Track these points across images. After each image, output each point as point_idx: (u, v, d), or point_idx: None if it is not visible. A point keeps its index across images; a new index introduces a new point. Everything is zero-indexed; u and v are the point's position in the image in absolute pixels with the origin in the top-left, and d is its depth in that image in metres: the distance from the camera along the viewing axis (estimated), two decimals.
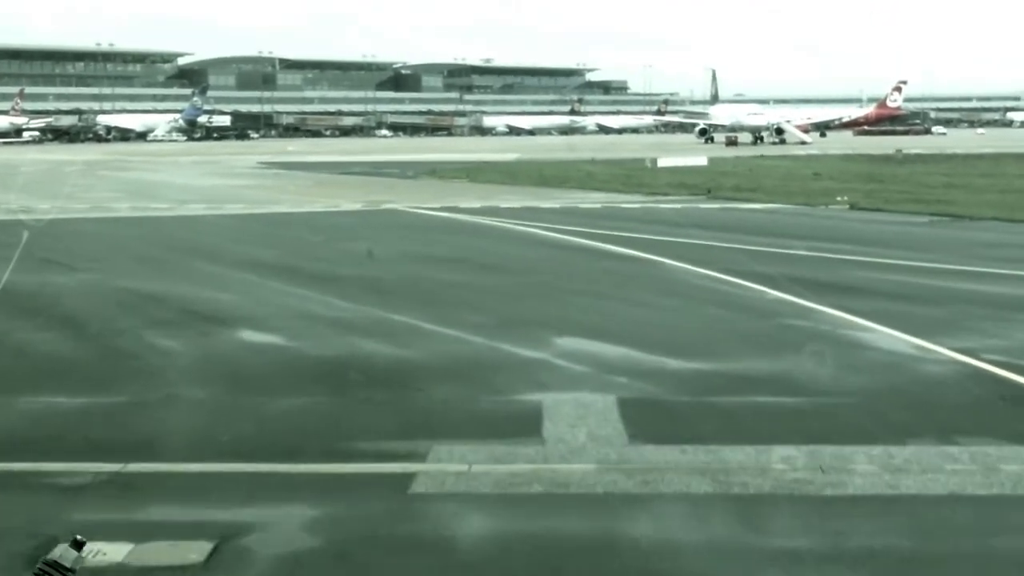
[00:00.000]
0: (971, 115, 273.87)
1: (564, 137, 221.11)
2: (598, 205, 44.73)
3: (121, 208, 44.33)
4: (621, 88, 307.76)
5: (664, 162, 75.12)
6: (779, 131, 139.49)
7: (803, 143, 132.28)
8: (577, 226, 34.85)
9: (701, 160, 77.32)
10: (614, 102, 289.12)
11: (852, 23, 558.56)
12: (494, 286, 23.72)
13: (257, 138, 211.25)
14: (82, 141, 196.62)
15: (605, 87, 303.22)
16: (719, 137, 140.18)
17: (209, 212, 42.68)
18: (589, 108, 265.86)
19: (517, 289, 23.27)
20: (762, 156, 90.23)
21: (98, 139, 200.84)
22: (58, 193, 51.69)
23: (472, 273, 25.59)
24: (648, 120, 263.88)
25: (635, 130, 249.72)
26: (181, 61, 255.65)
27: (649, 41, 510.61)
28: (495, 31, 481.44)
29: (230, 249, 31.01)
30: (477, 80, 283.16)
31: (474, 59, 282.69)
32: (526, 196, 49.67)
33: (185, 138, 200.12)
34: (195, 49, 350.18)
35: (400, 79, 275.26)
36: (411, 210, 42.30)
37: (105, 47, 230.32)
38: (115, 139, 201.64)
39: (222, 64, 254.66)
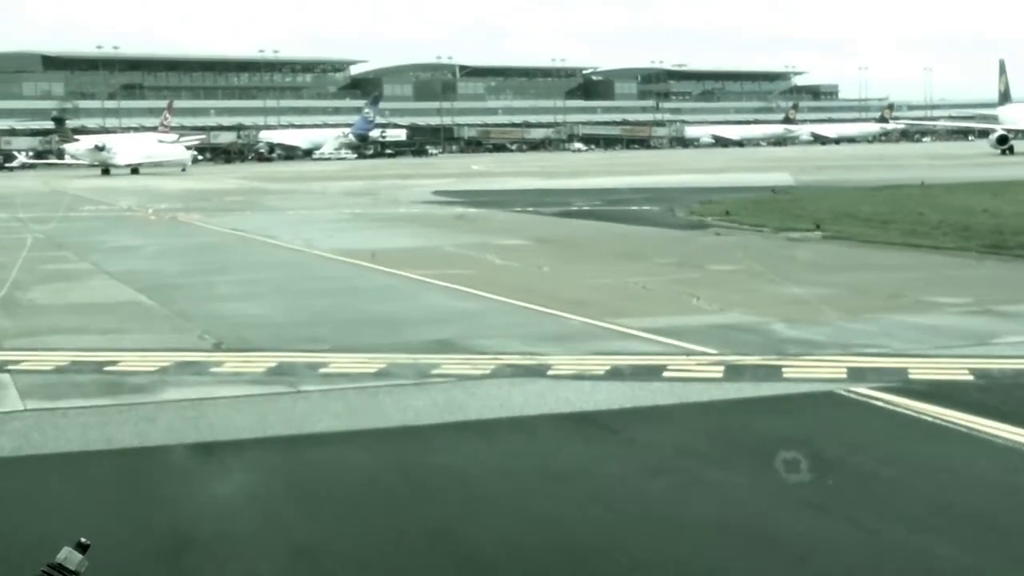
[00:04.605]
0: None
1: (781, 148, 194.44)
2: None
3: (42, 357, 16.21)
4: (831, 93, 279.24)
5: None
6: None
7: None
8: None
9: None
10: (824, 109, 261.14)
11: None
12: None
13: (436, 154, 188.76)
14: (241, 160, 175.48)
15: (814, 92, 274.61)
16: (1020, 146, 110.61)
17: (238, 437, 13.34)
18: (800, 116, 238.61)
19: None
20: None
21: (259, 158, 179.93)
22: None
23: None
24: (868, 128, 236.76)
25: (851, 139, 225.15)
26: (354, 70, 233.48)
27: (842, 43, 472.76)
28: (684, 33, 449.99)
29: None
30: (674, 86, 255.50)
31: (668, 63, 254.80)
32: None
33: (355, 155, 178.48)
34: (369, 57, 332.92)
35: (590, 86, 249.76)
36: (885, 404, 13.18)
37: (270, 55, 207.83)
38: (279, 157, 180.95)
39: (397, 72, 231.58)
